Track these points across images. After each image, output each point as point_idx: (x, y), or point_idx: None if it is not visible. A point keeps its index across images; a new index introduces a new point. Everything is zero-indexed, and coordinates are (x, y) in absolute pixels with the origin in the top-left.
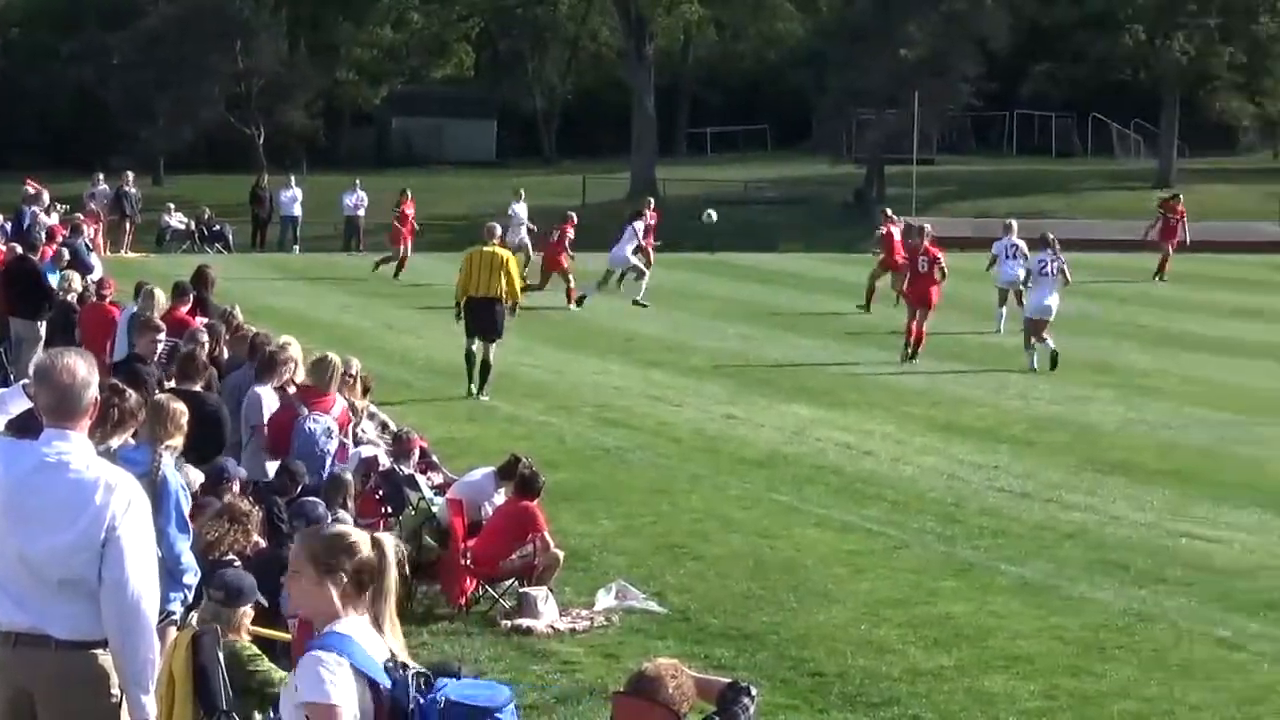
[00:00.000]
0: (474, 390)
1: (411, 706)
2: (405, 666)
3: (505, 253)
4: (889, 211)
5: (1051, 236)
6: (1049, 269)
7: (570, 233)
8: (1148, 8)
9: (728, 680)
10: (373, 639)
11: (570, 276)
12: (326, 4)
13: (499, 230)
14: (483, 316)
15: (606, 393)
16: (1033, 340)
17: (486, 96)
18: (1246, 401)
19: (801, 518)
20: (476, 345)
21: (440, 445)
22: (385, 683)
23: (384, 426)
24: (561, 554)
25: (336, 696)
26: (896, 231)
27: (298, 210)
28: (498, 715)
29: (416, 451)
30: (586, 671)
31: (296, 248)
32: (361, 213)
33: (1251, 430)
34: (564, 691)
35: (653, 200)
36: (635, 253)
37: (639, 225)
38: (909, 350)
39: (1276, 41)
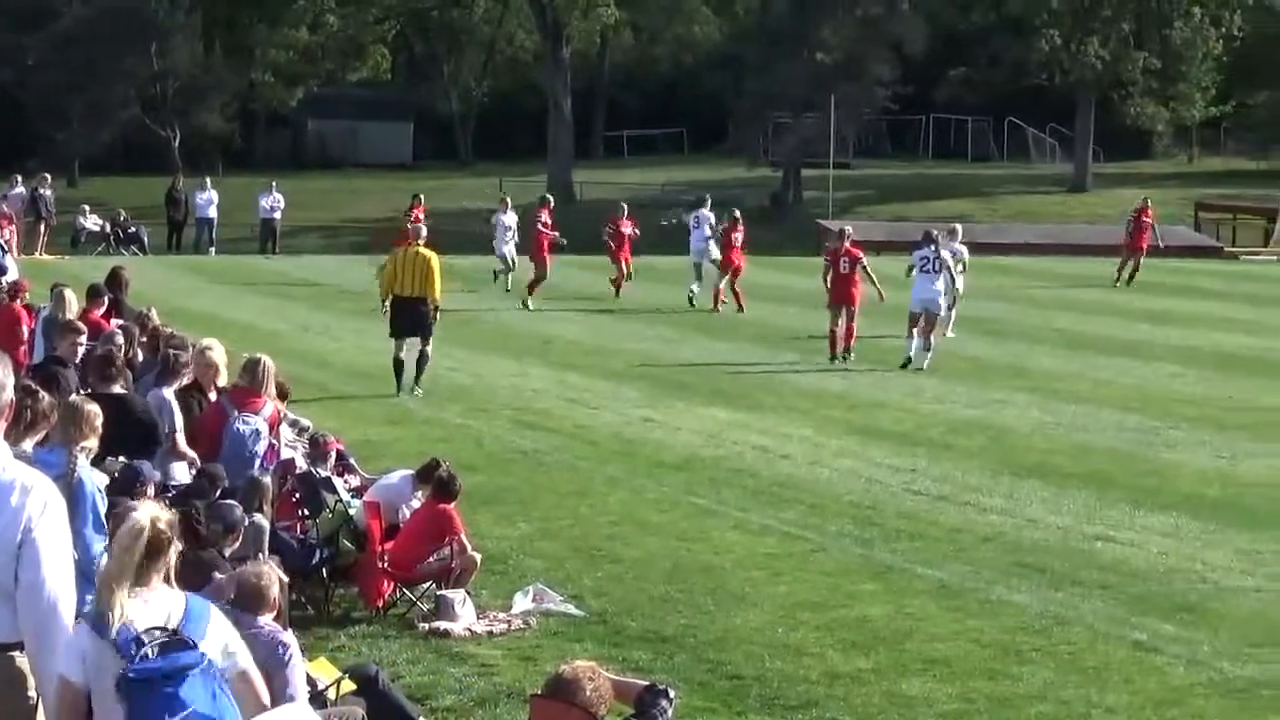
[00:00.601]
0: (412, 387)
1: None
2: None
3: (429, 254)
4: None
5: (935, 233)
6: (930, 265)
7: (543, 215)
8: (1063, 13)
9: (646, 683)
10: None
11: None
12: (242, 6)
13: (424, 231)
14: (409, 316)
15: (524, 396)
16: (913, 331)
17: (402, 99)
18: (1160, 405)
19: (719, 521)
20: (406, 346)
21: (357, 448)
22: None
23: (301, 429)
24: (479, 557)
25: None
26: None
27: (213, 212)
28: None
29: (333, 454)
30: (504, 674)
31: (212, 250)
32: (278, 215)
33: (1165, 434)
34: (482, 694)
35: (625, 207)
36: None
37: (706, 213)
38: (837, 351)
39: (1190, 47)
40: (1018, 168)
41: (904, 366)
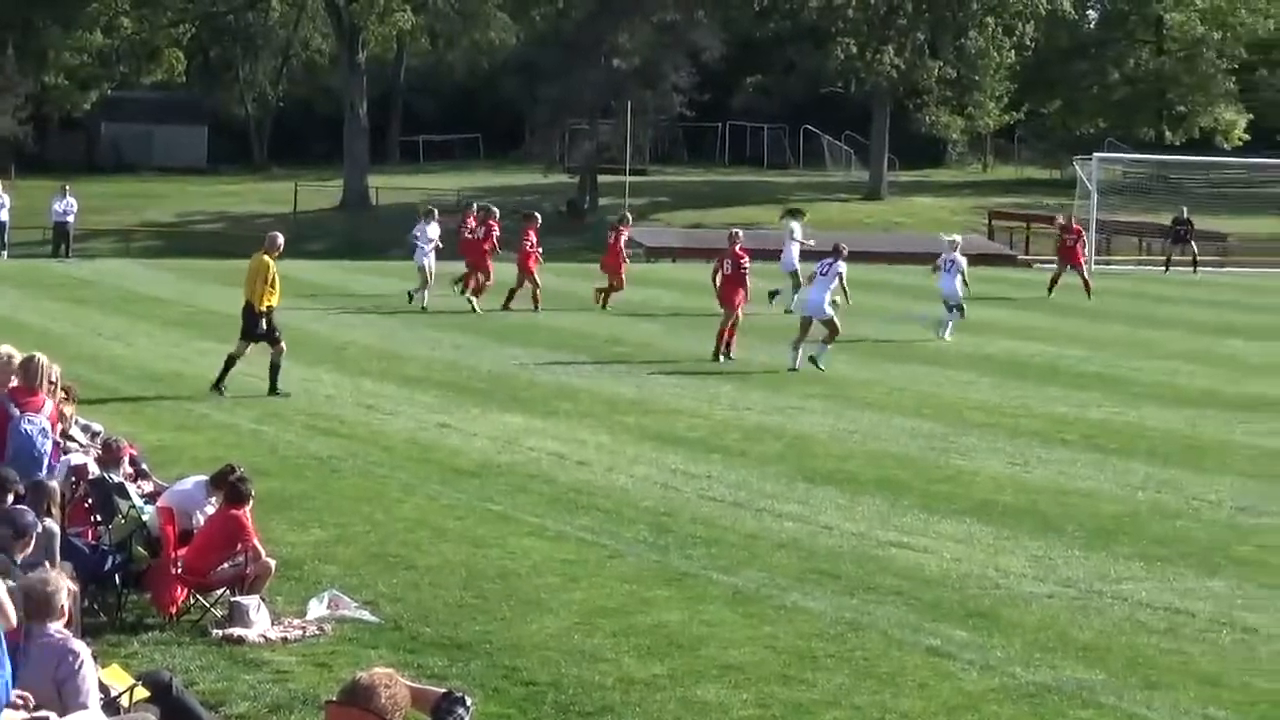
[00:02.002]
0: (275, 389)
1: None
2: None
3: (267, 260)
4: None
5: (844, 247)
6: (828, 272)
7: (533, 236)
8: (859, 22)
9: (443, 690)
10: None
11: (533, 280)
12: (35, 7)
13: (279, 240)
14: (254, 321)
15: (318, 401)
16: (801, 339)
17: (198, 103)
18: (953, 412)
19: (515, 527)
20: (249, 349)
21: (151, 453)
22: None
23: (93, 434)
24: (273, 563)
25: None
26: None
27: (5, 216)
28: None
29: (126, 459)
30: (298, 681)
31: (4, 253)
32: (71, 218)
33: (958, 440)
34: (276, 701)
35: (629, 217)
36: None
37: (796, 225)
38: (719, 351)
39: (984, 56)
40: (814, 175)
41: (791, 370)
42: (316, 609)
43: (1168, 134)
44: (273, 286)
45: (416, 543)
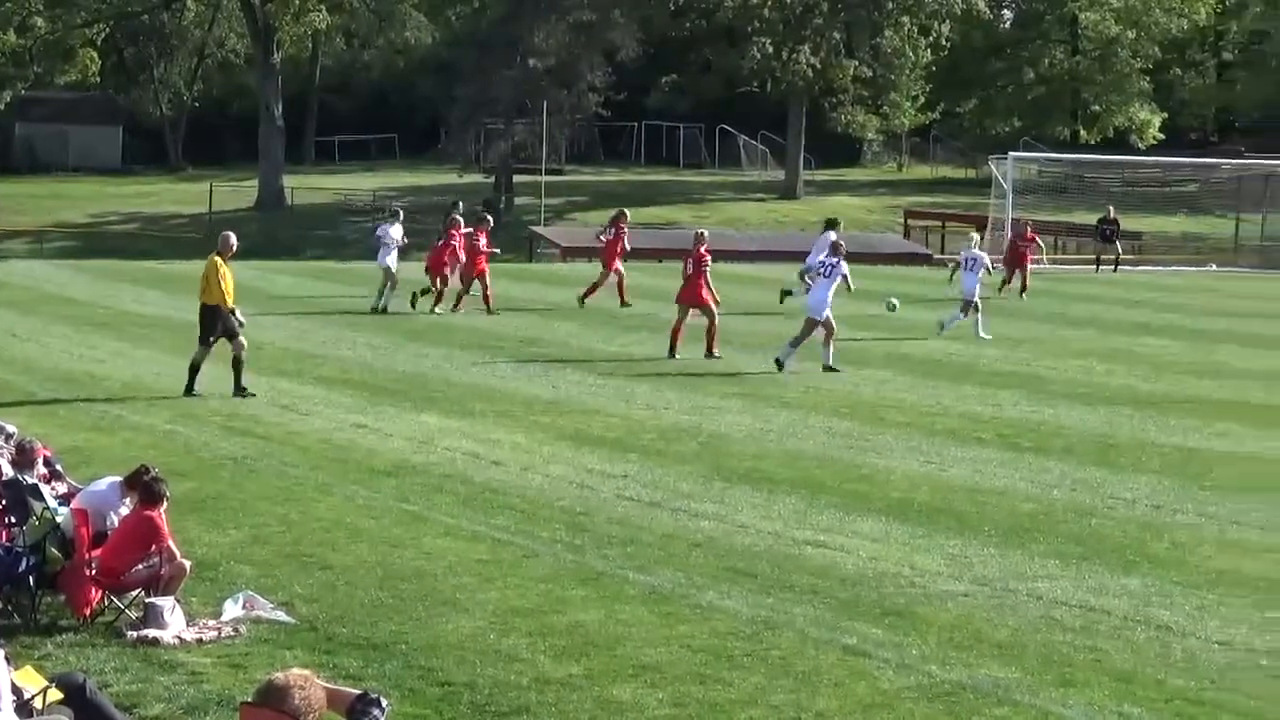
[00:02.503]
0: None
1: None
2: None
3: (216, 261)
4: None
5: (841, 244)
6: (831, 272)
7: (483, 239)
8: (774, 21)
9: (358, 691)
10: None
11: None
12: None
13: (231, 241)
14: (216, 320)
15: (234, 402)
16: (803, 340)
17: (112, 103)
18: (870, 411)
19: (430, 527)
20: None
21: (65, 454)
22: None
23: (7, 435)
24: (188, 564)
25: None
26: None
27: None
28: None
29: (40, 461)
30: (214, 682)
31: None
32: None
33: (874, 440)
34: (191, 702)
35: (627, 212)
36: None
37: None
38: (675, 349)
39: (900, 56)
40: (730, 174)
41: (779, 368)
42: (231, 610)
43: (1083, 133)
44: (221, 286)
45: (332, 543)
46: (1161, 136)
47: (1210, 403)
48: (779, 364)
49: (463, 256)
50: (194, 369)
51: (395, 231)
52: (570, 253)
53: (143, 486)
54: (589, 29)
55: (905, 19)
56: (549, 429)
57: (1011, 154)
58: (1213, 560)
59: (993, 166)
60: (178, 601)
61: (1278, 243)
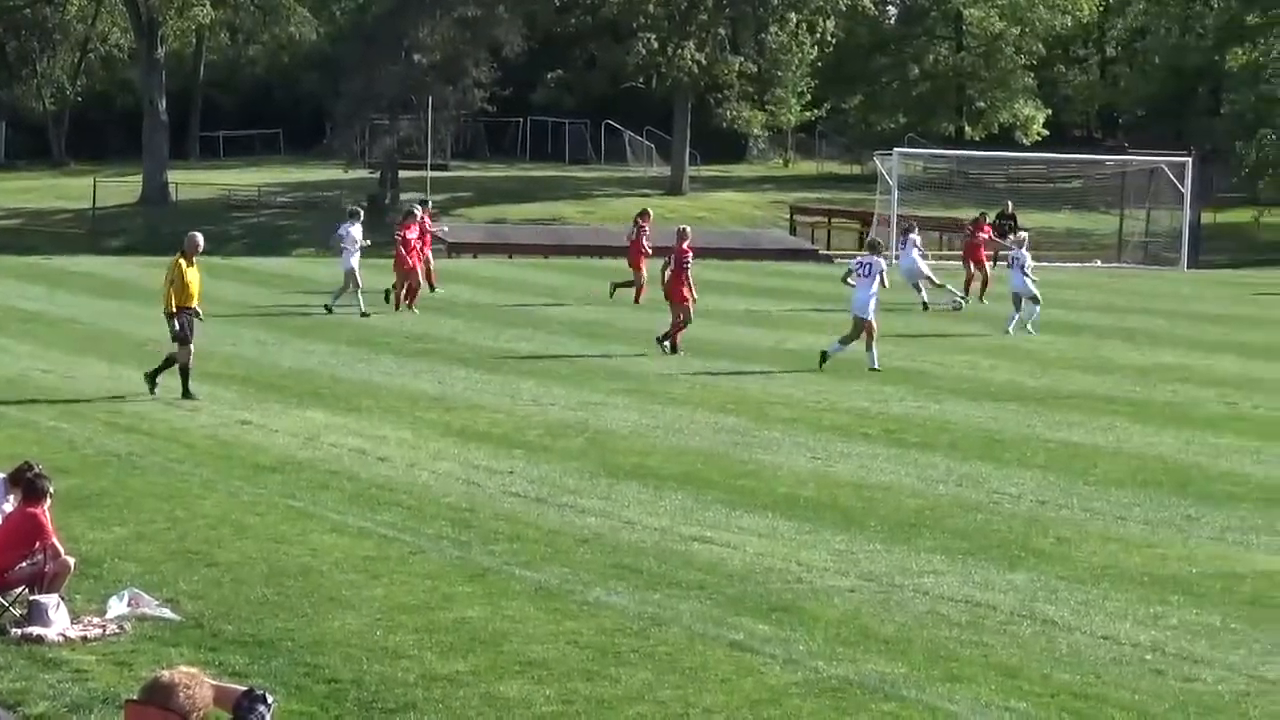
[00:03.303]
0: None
1: None
2: None
3: (179, 263)
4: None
5: (880, 243)
6: (869, 271)
7: (411, 233)
8: (660, 17)
9: (244, 688)
10: None
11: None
12: None
13: (199, 241)
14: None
15: (119, 398)
16: (848, 339)
17: None
18: (756, 407)
19: (316, 523)
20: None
21: None
22: None
23: None
24: (72, 561)
25: None
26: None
27: None
28: None
29: None
30: (99, 680)
31: None
32: None
33: (761, 435)
34: (76, 700)
35: (650, 211)
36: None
37: (914, 237)
38: (676, 345)
39: (786, 52)
40: (616, 170)
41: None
42: (117, 607)
43: (968, 129)
44: (184, 288)
45: (218, 540)
46: (1046, 133)
47: (1095, 398)
48: (824, 357)
49: (429, 252)
50: (183, 372)
51: (355, 231)
52: (456, 248)
53: (26, 483)
54: (474, 25)
55: (791, 15)
56: (435, 425)
57: (897, 150)
58: (1097, 555)
59: (878, 163)
60: (62, 599)
61: (1161, 239)
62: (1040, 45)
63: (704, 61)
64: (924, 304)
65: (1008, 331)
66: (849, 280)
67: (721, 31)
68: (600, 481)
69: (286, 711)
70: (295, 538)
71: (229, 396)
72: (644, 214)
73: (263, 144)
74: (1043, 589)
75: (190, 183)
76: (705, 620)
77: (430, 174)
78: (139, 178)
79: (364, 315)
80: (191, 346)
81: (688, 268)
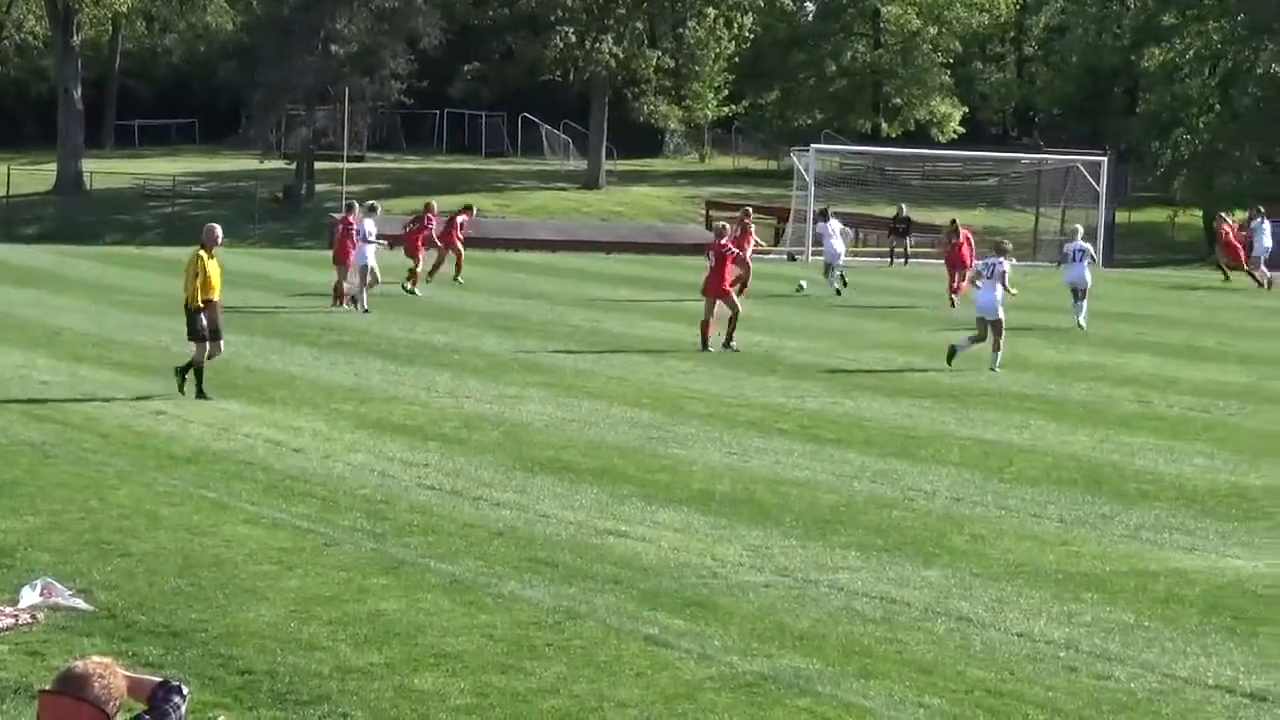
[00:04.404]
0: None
1: None
2: None
3: (199, 255)
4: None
5: (1007, 245)
6: (994, 272)
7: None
8: (577, 10)
9: (159, 679)
10: None
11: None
12: None
13: (218, 233)
14: (191, 319)
15: (32, 386)
16: (977, 338)
17: None
18: (672, 401)
19: (230, 514)
20: (206, 349)
21: None
22: None
23: None
24: None
25: None
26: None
27: None
28: None
29: None
30: (10, 670)
31: None
32: None
33: (676, 430)
34: None
35: (750, 209)
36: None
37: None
38: (706, 342)
39: (703, 46)
40: (532, 163)
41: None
42: (29, 597)
43: (884, 126)
44: (207, 281)
45: (131, 530)
46: (962, 130)
47: (1010, 395)
48: (952, 351)
49: (438, 241)
50: (197, 371)
51: (370, 225)
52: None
53: None
54: (392, 16)
55: (709, 10)
56: (350, 417)
57: (813, 146)
58: (1012, 552)
59: (795, 158)
60: None
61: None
62: (957, 43)
63: (621, 55)
64: (838, 290)
65: (1080, 325)
66: (977, 283)
67: (639, 25)
68: (516, 475)
69: (201, 703)
70: (209, 529)
71: (143, 386)
72: (745, 212)
73: (179, 133)
74: (957, 586)
75: (106, 171)
76: (620, 614)
77: (346, 165)
78: (53, 166)
79: (365, 312)
80: (222, 342)
81: (729, 259)
